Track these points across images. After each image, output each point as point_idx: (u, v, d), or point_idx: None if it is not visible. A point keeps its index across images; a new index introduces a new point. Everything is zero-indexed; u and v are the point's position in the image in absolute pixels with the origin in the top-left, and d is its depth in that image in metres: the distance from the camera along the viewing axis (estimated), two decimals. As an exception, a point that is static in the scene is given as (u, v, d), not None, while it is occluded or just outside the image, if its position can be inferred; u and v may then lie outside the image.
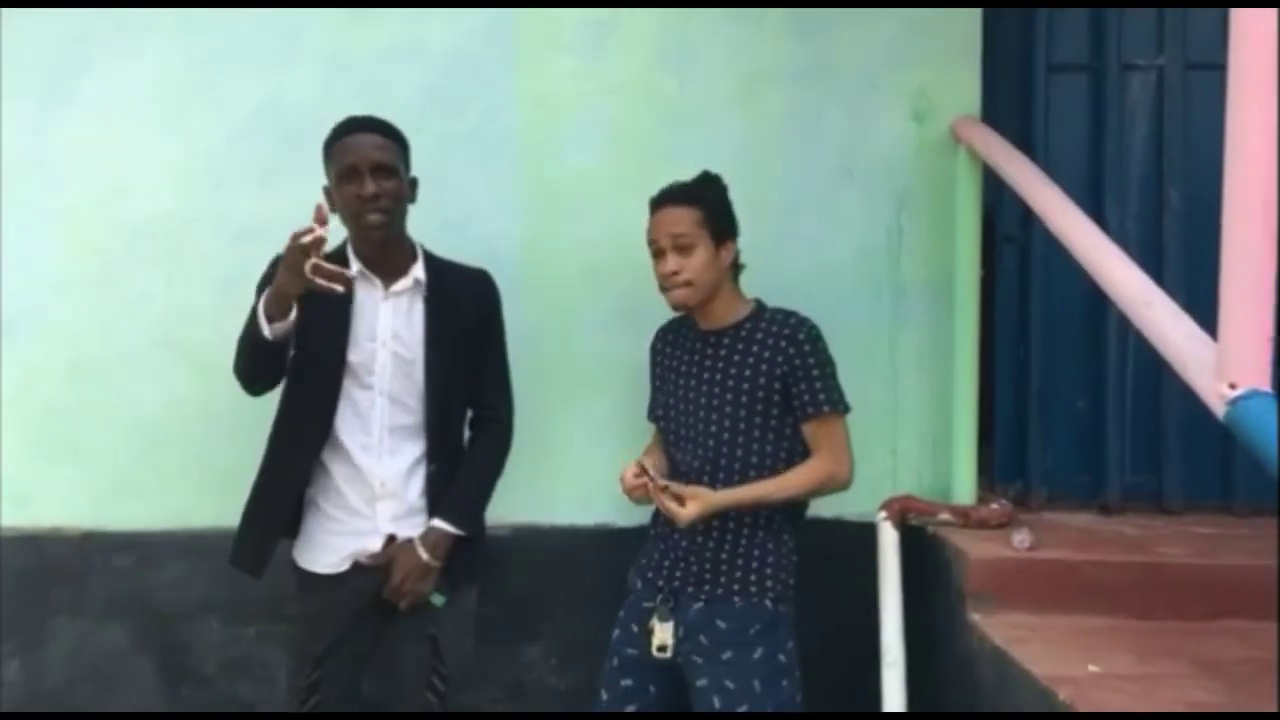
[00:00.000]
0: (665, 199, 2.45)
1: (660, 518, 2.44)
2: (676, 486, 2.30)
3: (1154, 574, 2.42)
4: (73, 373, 2.79)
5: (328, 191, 2.33)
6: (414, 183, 2.41)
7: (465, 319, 2.40)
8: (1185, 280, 2.89)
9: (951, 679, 2.48)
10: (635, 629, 2.42)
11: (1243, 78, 1.54)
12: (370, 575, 2.33)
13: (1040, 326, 3.00)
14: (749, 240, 2.56)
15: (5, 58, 2.77)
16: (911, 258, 2.88)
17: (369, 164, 2.27)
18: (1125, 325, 2.93)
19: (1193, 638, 2.24)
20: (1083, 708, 1.85)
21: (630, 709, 2.42)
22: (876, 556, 2.66)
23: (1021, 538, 2.47)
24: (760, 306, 2.49)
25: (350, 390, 2.32)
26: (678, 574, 2.41)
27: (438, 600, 2.32)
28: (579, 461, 2.86)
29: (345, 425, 2.33)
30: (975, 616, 2.39)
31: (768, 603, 2.38)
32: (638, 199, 2.65)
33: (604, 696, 2.46)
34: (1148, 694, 1.92)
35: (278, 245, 2.33)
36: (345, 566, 2.35)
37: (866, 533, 2.72)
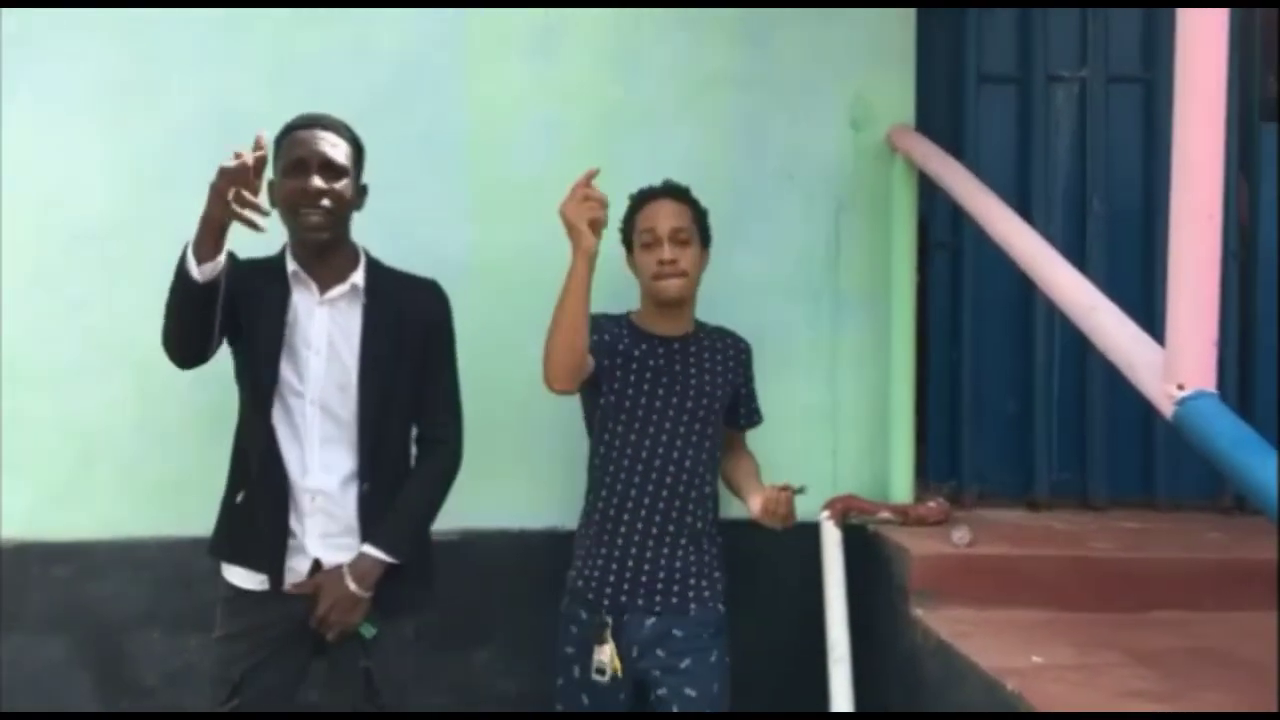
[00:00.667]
0: (664, 193, 2.53)
1: (590, 533, 2.53)
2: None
3: (1087, 567, 2.53)
4: (8, 380, 2.71)
5: (271, 185, 2.22)
6: (364, 189, 2.33)
7: (407, 330, 2.29)
8: (1108, 285, 2.95)
9: (896, 674, 2.55)
10: (594, 660, 2.43)
11: (1189, 85, 1.62)
12: (299, 600, 2.22)
13: (971, 329, 3.10)
14: (695, 243, 2.64)
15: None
16: (849, 263, 2.95)
17: (318, 160, 2.20)
18: (1052, 328, 3.08)
19: (1126, 629, 2.34)
20: (1030, 697, 1.92)
21: None
22: (819, 555, 2.73)
23: (961, 535, 2.56)
24: (698, 320, 2.62)
25: (285, 398, 2.24)
26: (624, 590, 2.45)
27: (368, 632, 2.21)
28: (526, 466, 2.87)
29: (281, 435, 2.24)
30: (918, 612, 2.46)
31: (720, 606, 2.52)
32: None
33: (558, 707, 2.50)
34: (1089, 683, 2.01)
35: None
36: (268, 586, 2.24)
37: (809, 532, 2.78)
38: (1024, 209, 3.03)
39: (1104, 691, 1.96)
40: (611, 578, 2.46)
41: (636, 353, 2.53)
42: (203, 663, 2.70)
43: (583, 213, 2.25)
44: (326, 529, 2.25)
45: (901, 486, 2.89)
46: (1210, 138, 1.56)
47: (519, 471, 2.87)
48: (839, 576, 2.64)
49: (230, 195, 1.95)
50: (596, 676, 2.40)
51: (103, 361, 2.73)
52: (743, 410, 2.66)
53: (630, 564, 2.46)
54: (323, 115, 2.28)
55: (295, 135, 2.24)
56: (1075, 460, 3.12)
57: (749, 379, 2.65)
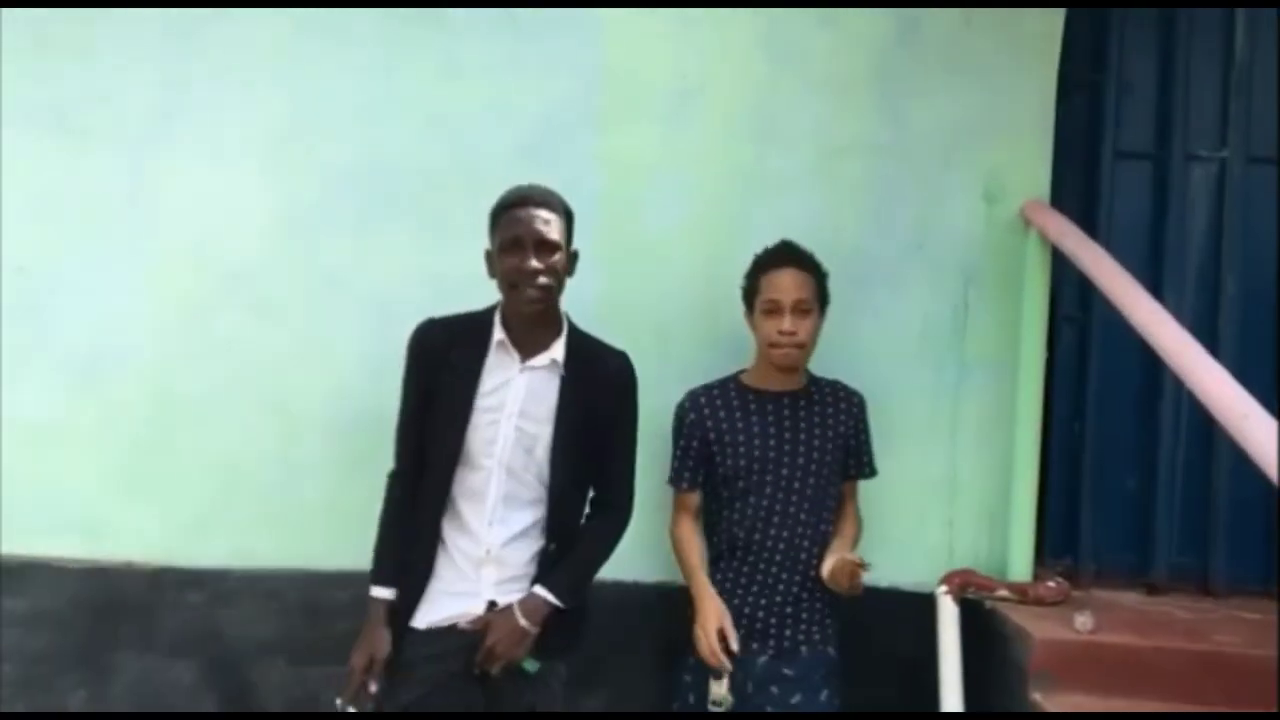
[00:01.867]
0: (791, 261, 2.58)
1: (715, 578, 2.61)
2: (862, 560, 2.51)
3: (1211, 662, 2.48)
4: (156, 410, 2.84)
5: (489, 255, 2.35)
6: (575, 256, 2.40)
7: (599, 401, 2.38)
8: (1238, 368, 2.95)
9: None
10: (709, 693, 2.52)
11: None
12: (470, 638, 2.31)
13: (1095, 405, 3.07)
14: (821, 309, 2.67)
15: (105, 99, 2.84)
16: (976, 334, 2.96)
17: (534, 238, 2.27)
18: (1179, 406, 3.04)
19: (1252, 728, 2.31)
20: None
21: None
22: (934, 627, 2.72)
23: (1084, 620, 2.53)
24: (811, 374, 2.70)
25: (473, 458, 2.32)
26: (740, 633, 2.53)
27: (530, 666, 2.30)
28: (641, 521, 2.90)
29: (462, 492, 2.34)
30: (1036, 695, 2.44)
31: (831, 650, 2.62)
32: (713, 263, 2.75)
33: None
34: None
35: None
36: (445, 624, 2.33)
37: (922, 602, 2.79)
38: (1156, 287, 3.01)
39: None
40: (728, 619, 2.53)
41: (740, 412, 2.63)
42: (325, 693, 2.79)
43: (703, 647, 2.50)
44: (499, 576, 2.35)
45: (1020, 563, 2.87)
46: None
47: (634, 526, 2.90)
48: (955, 652, 2.63)
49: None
50: (712, 708, 2.49)
51: (248, 397, 2.84)
52: (853, 461, 2.71)
53: (746, 609, 2.58)
54: (536, 189, 2.35)
55: (512, 214, 2.31)
56: (1196, 544, 3.07)
57: (860, 429, 2.71)
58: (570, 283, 2.85)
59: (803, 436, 2.63)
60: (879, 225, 2.95)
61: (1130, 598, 2.95)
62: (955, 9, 2.95)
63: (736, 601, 2.58)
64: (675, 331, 2.93)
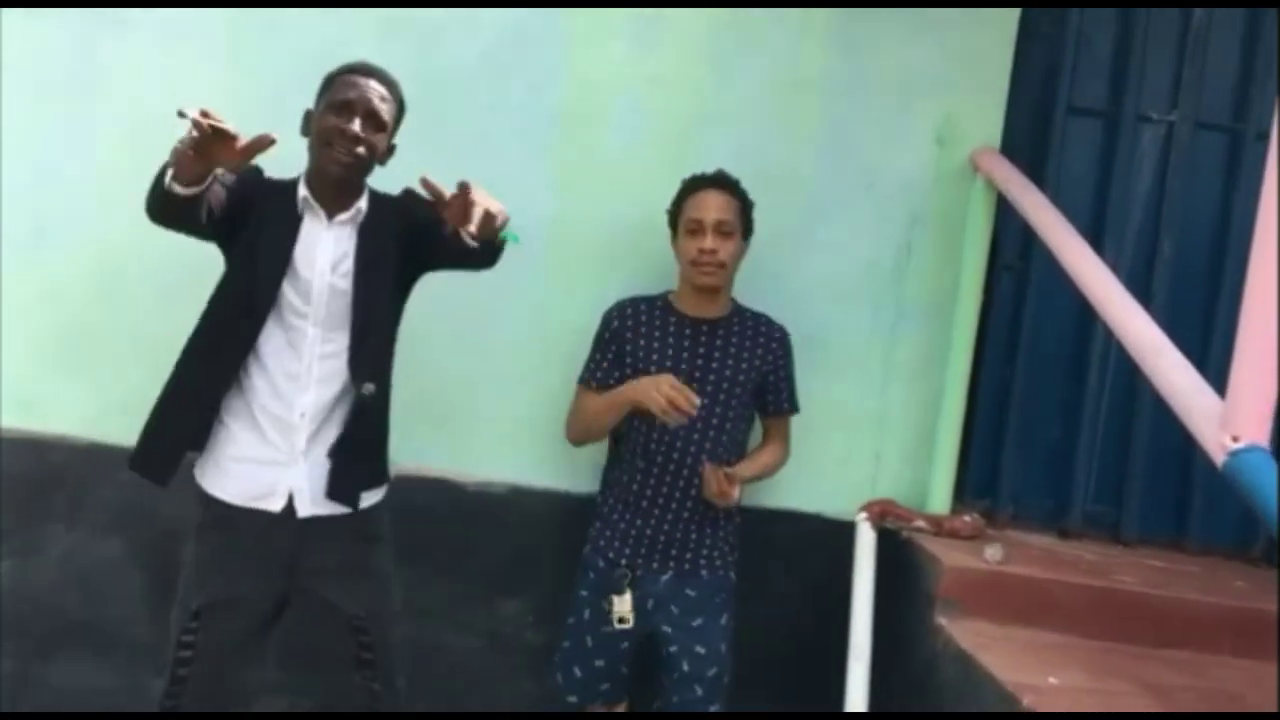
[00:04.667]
0: (713, 183, 2.63)
1: (614, 498, 2.66)
2: (730, 471, 2.54)
3: (1111, 599, 2.60)
4: (96, 288, 2.83)
5: (308, 115, 2.34)
6: (392, 149, 2.39)
7: (391, 241, 2.36)
8: (1169, 329, 3.03)
9: (913, 677, 2.63)
10: (606, 608, 2.59)
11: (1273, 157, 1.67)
12: (281, 533, 2.29)
13: (1027, 354, 3.14)
14: (766, 240, 2.73)
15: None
16: (917, 275, 3.02)
17: (365, 107, 2.28)
18: (1107, 362, 3.12)
19: (1141, 661, 2.42)
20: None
21: (604, 687, 2.64)
22: (851, 553, 2.81)
23: (994, 552, 2.63)
24: (738, 304, 2.72)
25: (285, 317, 2.30)
26: (642, 551, 2.60)
27: (513, 237, 2.20)
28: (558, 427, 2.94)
29: (273, 351, 2.30)
30: (942, 620, 2.55)
31: (731, 575, 2.67)
32: (666, 185, 2.76)
33: (576, 672, 2.64)
34: (1102, 707, 2.08)
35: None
36: (247, 504, 2.30)
37: (842, 530, 2.88)
38: (1097, 242, 3.07)
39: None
40: (630, 540, 2.61)
41: (659, 331, 2.65)
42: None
43: (657, 403, 2.41)
44: (305, 446, 2.31)
45: (940, 499, 2.96)
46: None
47: (545, 433, 2.93)
48: (869, 576, 2.71)
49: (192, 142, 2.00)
50: (619, 625, 2.56)
51: (188, 281, 2.78)
52: (771, 397, 2.72)
53: (649, 531, 2.61)
54: (380, 68, 2.36)
55: (349, 78, 2.31)
56: (1111, 494, 3.16)
57: (781, 365, 2.71)
58: (522, 200, 2.88)
59: (714, 365, 2.63)
60: (831, 162, 2.99)
61: (1044, 540, 3.04)
62: (922, -46, 2.98)
63: (640, 521, 2.61)
64: (624, 251, 2.96)
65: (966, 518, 2.88)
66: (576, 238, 2.93)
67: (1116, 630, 2.54)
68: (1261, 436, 1.63)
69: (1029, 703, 2.05)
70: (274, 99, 2.79)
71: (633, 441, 2.65)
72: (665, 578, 2.60)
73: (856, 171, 2.99)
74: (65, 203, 2.83)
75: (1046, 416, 3.18)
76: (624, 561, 2.60)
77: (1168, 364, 1.88)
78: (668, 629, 2.59)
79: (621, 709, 2.73)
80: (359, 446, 2.36)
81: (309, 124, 2.34)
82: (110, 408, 2.83)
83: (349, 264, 2.33)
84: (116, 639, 2.86)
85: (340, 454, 2.33)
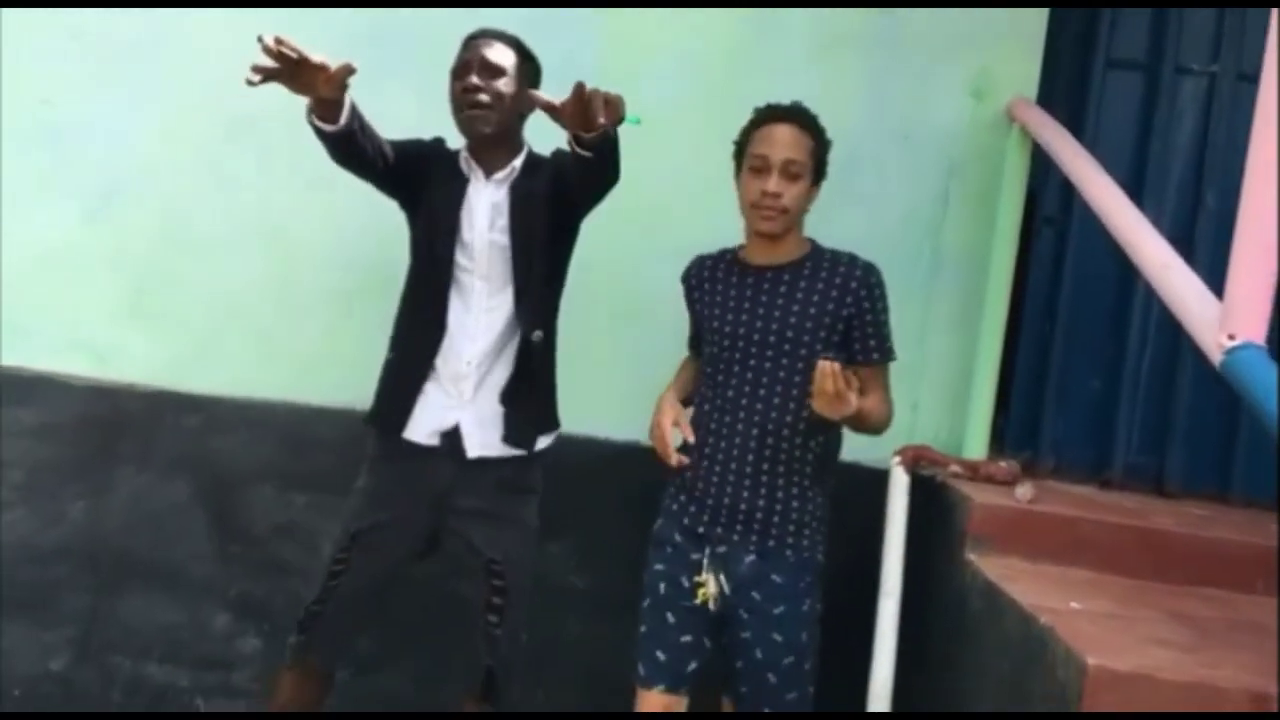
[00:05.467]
0: (786, 116, 2.40)
1: (691, 461, 2.45)
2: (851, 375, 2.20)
3: (1144, 538, 2.59)
4: (163, 242, 3.00)
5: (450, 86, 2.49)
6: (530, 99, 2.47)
7: (540, 194, 2.49)
8: (1210, 280, 3.04)
9: (943, 612, 2.66)
10: (686, 583, 2.40)
11: (1272, 65, 1.70)
12: (444, 470, 2.46)
13: (1068, 307, 3.16)
14: (804, 191, 2.77)
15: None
16: (954, 225, 3.06)
17: (479, 61, 2.44)
18: (1149, 314, 3.12)
19: (1172, 596, 2.42)
20: (1060, 632, 2.02)
21: (692, 666, 2.39)
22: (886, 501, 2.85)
23: (1024, 490, 2.65)
24: (817, 246, 2.48)
25: (454, 274, 2.48)
26: (719, 526, 2.39)
27: (635, 120, 2.29)
28: (618, 380, 3.04)
29: (450, 304, 2.49)
30: (972, 556, 2.56)
31: (819, 556, 2.44)
32: (706, 140, 2.82)
33: (660, 656, 2.39)
34: (1120, 629, 2.11)
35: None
36: (419, 440, 2.47)
37: (881, 479, 2.90)
38: (1137, 196, 3.07)
39: (1131, 636, 2.06)
40: (708, 509, 2.41)
41: (726, 285, 2.48)
42: (308, 520, 2.98)
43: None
44: (473, 393, 2.48)
45: (977, 446, 2.99)
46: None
47: (615, 387, 3.03)
48: (901, 517, 2.74)
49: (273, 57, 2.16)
50: (710, 604, 2.37)
51: (251, 236, 2.99)
52: (857, 346, 2.41)
53: (726, 500, 2.39)
54: (492, 29, 2.52)
55: (468, 42, 2.51)
56: (1154, 445, 3.16)
57: (866, 309, 2.40)
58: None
59: (777, 314, 2.38)
60: (868, 114, 3.05)
61: (1084, 490, 3.05)
62: (958, -89, 3.02)
63: (715, 490, 2.40)
64: (668, 207, 3.05)
65: (1003, 463, 2.89)
66: (619, 198, 2.98)
67: (1149, 568, 2.53)
68: (1258, 335, 1.66)
69: (1046, 621, 2.08)
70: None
71: (703, 405, 2.48)
72: (749, 559, 2.37)
73: (894, 122, 3.05)
74: (132, 163, 2.99)
75: (1087, 368, 3.20)
76: (701, 530, 2.40)
77: (1174, 277, 1.91)
78: (745, 614, 2.37)
79: (682, 706, 2.43)
80: (528, 392, 2.53)
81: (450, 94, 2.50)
82: (177, 357, 3.01)
83: (505, 220, 2.49)
84: (181, 576, 3.01)
85: (511, 399, 2.50)
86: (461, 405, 2.48)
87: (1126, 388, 3.16)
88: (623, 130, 2.96)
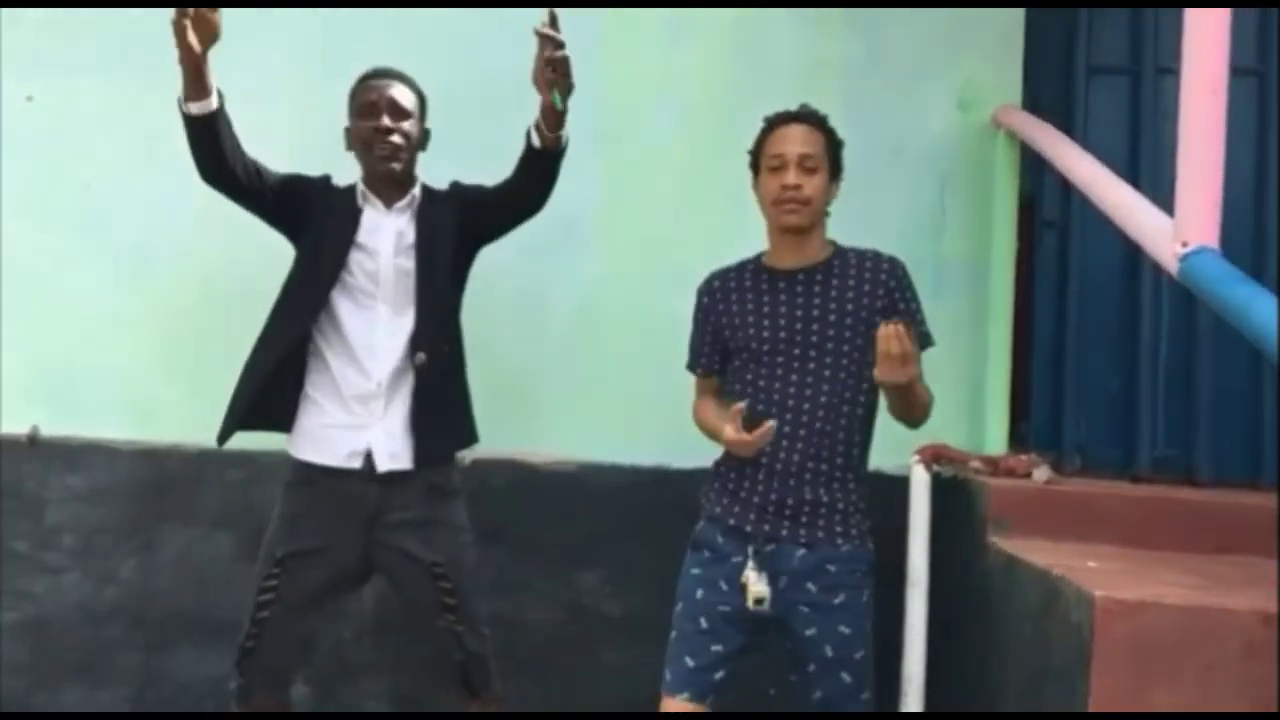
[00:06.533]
0: (796, 117, 2.48)
1: (729, 465, 2.45)
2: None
3: (1166, 508, 2.61)
4: (200, 304, 3.17)
5: (347, 131, 2.65)
6: (427, 133, 2.69)
7: (447, 223, 2.63)
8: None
9: (971, 597, 2.66)
10: (725, 586, 2.38)
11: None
12: (362, 489, 2.53)
13: (1077, 307, 3.20)
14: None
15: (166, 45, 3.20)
16: (953, 234, 3.15)
17: (387, 103, 2.58)
18: (1159, 305, 3.16)
19: (1193, 559, 2.40)
20: (1072, 578, 2.04)
21: (719, 675, 2.37)
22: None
23: (1041, 472, 2.68)
24: (841, 246, 2.54)
25: (359, 299, 2.58)
26: (768, 516, 2.39)
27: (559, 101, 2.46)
28: (638, 408, 3.13)
29: (352, 328, 2.58)
30: (994, 539, 2.58)
31: (870, 545, 2.45)
32: (705, 169, 2.97)
33: (689, 662, 2.37)
34: (1131, 575, 2.12)
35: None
36: (332, 464, 2.55)
37: (904, 485, 2.92)
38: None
39: (1141, 580, 2.06)
40: (754, 507, 2.40)
41: (751, 293, 2.51)
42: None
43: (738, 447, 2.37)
44: (381, 412, 2.57)
45: (996, 447, 3.01)
46: (1217, 26, 1.74)
47: (636, 414, 3.13)
48: (924, 511, 2.77)
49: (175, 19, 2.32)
50: (755, 607, 2.33)
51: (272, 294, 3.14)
52: None
53: (774, 496, 2.39)
54: (388, 67, 2.67)
55: (367, 84, 2.64)
56: (1181, 438, 3.16)
57: (900, 299, 2.46)
58: (570, 194, 3.11)
59: (816, 314, 2.43)
60: (859, 133, 3.06)
61: (1112, 484, 3.05)
62: (927, -64, 3.19)
63: (762, 486, 2.40)
64: (670, 236, 3.17)
65: (1023, 456, 2.91)
66: (622, 224, 3.16)
67: (1174, 539, 2.52)
68: (1210, 239, 1.72)
69: (1058, 573, 2.09)
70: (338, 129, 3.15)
71: (740, 402, 2.41)
72: (800, 553, 2.37)
73: (884, 140, 3.16)
74: (167, 233, 3.19)
75: (1105, 366, 3.22)
76: (749, 528, 2.39)
77: (1132, 203, 1.98)
78: (805, 608, 2.35)
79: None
80: (434, 409, 2.60)
81: (350, 139, 2.67)
82: (216, 413, 3.11)
83: (411, 247, 2.62)
84: (230, 628, 3.07)
85: (421, 417, 2.58)
86: (371, 425, 2.57)
87: (1145, 382, 3.17)
88: (622, 157, 3.14)
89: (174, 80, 3.15)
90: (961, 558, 2.72)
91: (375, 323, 2.60)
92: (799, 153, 2.43)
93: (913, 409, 2.42)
